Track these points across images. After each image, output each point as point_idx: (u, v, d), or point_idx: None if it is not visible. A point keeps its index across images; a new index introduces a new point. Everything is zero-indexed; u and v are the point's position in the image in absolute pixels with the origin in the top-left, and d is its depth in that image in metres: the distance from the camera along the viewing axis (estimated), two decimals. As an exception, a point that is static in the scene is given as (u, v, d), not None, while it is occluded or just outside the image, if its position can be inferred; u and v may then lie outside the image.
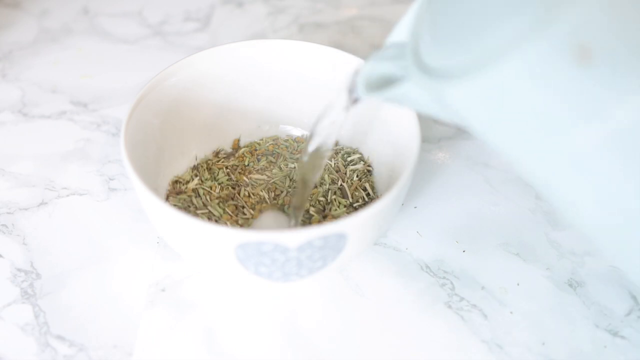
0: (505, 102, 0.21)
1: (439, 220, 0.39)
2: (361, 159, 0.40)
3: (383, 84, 0.27)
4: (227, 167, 0.40)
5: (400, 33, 0.29)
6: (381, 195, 0.37)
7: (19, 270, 0.36)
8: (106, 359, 0.32)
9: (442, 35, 0.24)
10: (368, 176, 0.39)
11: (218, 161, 0.41)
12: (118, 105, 0.47)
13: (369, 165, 0.40)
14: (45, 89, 0.49)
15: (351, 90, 0.30)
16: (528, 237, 0.39)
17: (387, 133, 0.38)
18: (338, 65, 0.39)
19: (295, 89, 0.41)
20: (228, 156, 0.41)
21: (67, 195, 0.40)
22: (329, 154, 0.34)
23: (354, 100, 0.30)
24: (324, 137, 0.33)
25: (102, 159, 0.43)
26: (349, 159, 0.40)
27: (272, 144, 0.42)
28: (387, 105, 0.37)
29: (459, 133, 0.46)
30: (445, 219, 0.40)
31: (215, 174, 0.39)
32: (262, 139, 0.42)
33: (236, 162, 0.40)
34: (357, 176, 0.39)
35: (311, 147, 0.34)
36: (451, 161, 0.44)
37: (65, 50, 0.53)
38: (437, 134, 0.46)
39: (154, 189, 0.35)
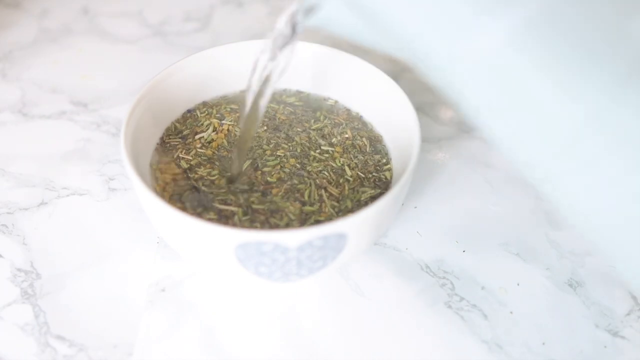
0: None
1: (439, 220, 0.39)
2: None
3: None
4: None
5: None
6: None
7: (19, 270, 0.36)
8: (106, 359, 0.32)
9: None
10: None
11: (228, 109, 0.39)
12: (118, 105, 0.47)
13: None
14: (45, 89, 0.48)
15: (291, 18, 0.30)
16: (528, 237, 0.39)
17: (387, 133, 0.38)
18: (338, 66, 0.39)
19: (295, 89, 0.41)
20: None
21: (67, 195, 0.40)
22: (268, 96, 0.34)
23: (294, 27, 0.30)
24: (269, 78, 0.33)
25: (102, 159, 0.43)
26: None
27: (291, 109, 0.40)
28: (388, 106, 0.37)
29: (459, 133, 0.46)
30: (445, 219, 0.40)
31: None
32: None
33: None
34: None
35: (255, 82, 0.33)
36: (451, 161, 0.44)
37: (65, 50, 0.53)
38: (437, 134, 0.46)
39: (154, 189, 0.35)
